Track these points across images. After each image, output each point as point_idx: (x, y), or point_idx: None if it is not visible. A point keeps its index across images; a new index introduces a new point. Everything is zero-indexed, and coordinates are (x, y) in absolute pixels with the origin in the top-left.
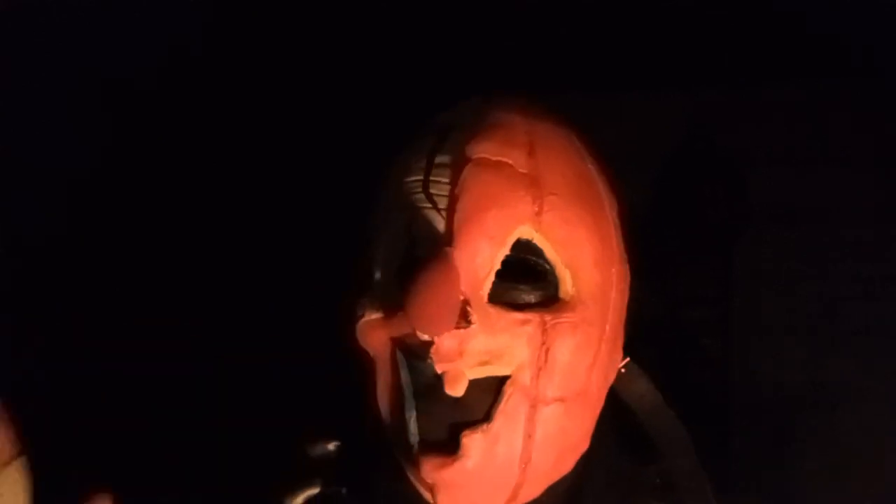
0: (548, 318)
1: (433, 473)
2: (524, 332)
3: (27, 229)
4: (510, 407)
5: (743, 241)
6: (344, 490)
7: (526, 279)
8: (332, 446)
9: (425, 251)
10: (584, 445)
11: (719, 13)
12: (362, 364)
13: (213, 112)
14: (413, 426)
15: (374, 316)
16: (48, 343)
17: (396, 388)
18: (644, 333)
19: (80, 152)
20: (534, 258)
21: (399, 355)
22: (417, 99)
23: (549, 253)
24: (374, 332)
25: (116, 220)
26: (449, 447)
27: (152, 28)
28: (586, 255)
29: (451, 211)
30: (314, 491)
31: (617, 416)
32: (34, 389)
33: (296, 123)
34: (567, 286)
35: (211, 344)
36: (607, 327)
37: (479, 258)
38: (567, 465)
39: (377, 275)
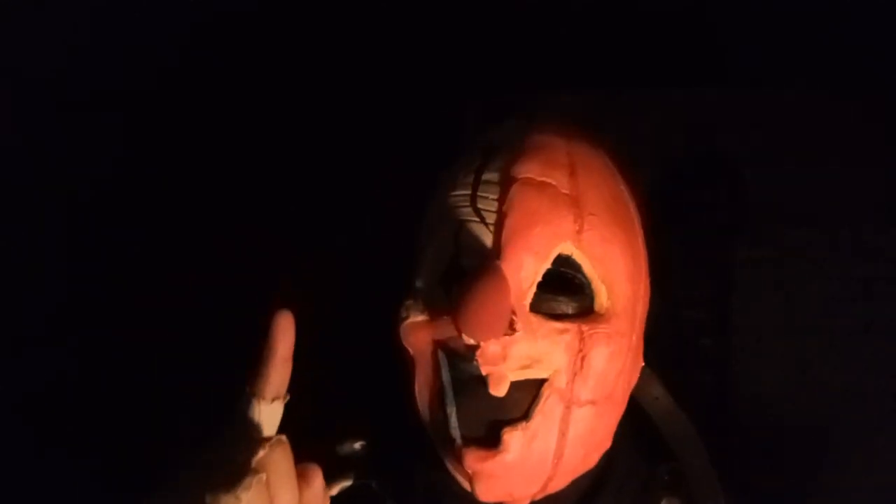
0: (585, 328)
1: (475, 465)
2: (563, 340)
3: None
4: (547, 407)
5: (743, 241)
6: (374, 484)
7: (562, 291)
8: (358, 445)
9: (472, 262)
10: (607, 444)
11: (720, 13)
12: (400, 363)
13: (212, 111)
14: (454, 421)
15: (419, 318)
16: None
17: (437, 386)
18: (644, 333)
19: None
20: (571, 272)
21: (441, 355)
22: (418, 98)
23: (587, 268)
24: (417, 334)
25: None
26: (489, 441)
27: (152, 28)
28: (620, 271)
29: (498, 227)
30: (347, 483)
31: (632, 417)
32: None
33: (292, 123)
34: (602, 299)
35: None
36: (634, 337)
37: (523, 271)
38: (592, 461)
39: (420, 281)
